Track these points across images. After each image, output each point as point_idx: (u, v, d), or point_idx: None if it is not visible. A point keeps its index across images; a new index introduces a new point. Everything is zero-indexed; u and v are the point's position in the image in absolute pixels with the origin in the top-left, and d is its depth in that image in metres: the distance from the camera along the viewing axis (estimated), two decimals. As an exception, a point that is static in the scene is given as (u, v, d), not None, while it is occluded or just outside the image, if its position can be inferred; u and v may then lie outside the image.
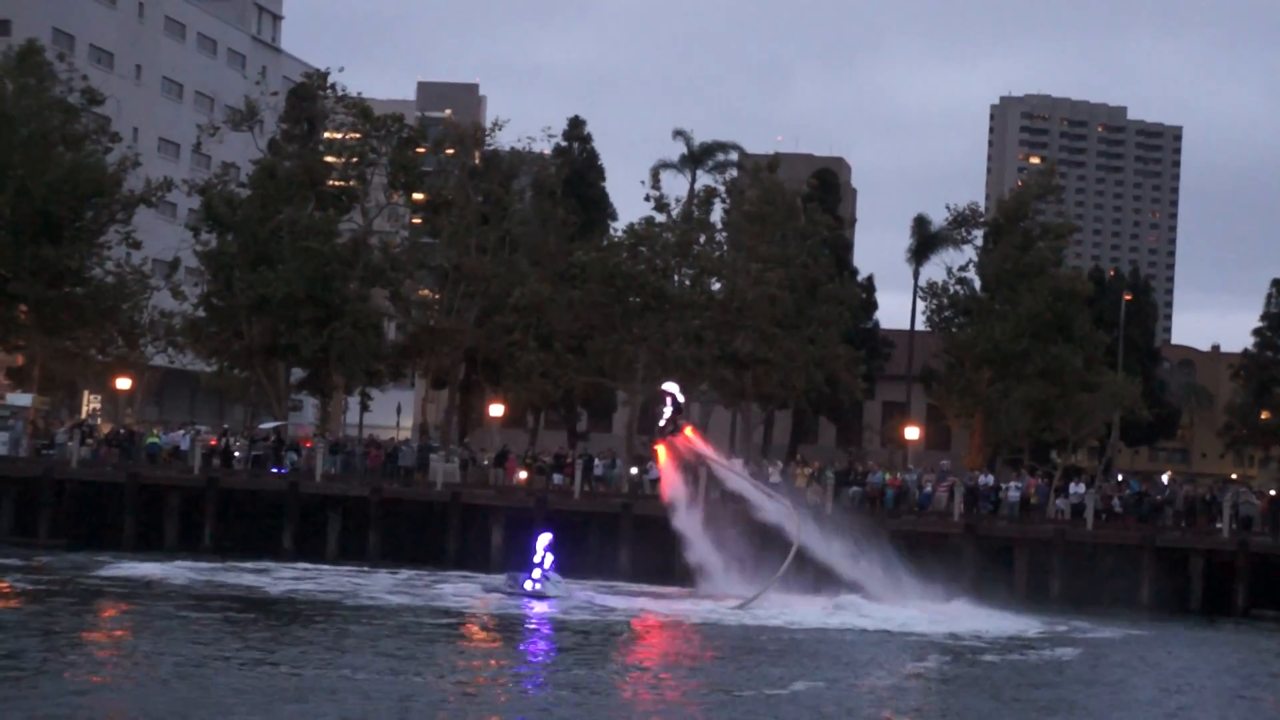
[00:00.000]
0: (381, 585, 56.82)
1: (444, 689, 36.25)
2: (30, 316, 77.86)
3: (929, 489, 68.69)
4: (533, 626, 49.19)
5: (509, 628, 48.74)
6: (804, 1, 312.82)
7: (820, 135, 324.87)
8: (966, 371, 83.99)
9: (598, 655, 43.11)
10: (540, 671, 40.75)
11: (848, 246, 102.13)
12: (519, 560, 60.05)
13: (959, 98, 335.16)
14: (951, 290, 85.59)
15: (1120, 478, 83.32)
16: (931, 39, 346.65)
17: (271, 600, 51.73)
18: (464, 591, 56.33)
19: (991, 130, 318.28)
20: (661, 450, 60.10)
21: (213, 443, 70.94)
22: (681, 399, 60.14)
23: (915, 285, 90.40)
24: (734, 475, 62.12)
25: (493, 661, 41.91)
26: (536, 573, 55.60)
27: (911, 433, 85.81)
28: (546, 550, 56.00)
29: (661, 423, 58.83)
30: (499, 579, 58.28)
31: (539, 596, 54.67)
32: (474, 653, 43.46)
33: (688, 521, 59.75)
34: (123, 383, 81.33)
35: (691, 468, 61.45)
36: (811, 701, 36.77)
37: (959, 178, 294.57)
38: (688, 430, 59.84)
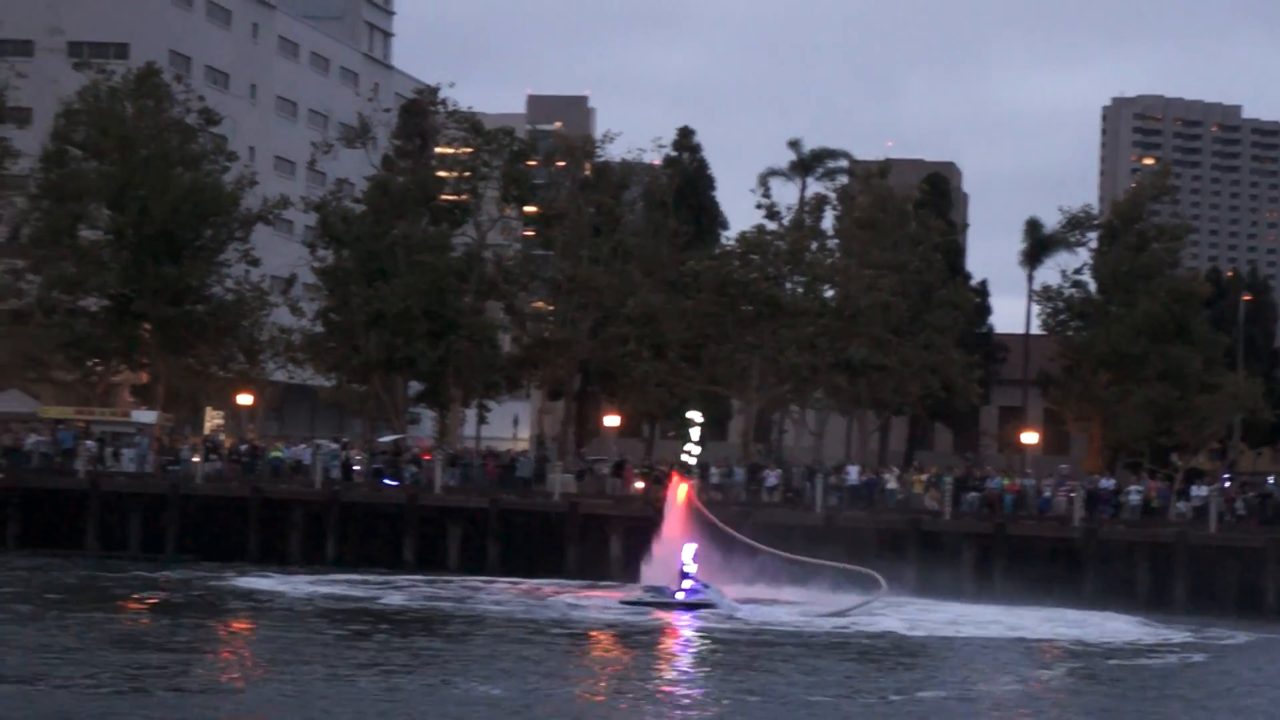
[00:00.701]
0: (511, 597, 57.08)
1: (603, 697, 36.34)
2: (153, 335, 79.05)
3: (1048, 494, 68.27)
4: (691, 636, 49.12)
5: (660, 638, 48.85)
6: (913, 7, 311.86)
7: (930, 141, 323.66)
8: (1084, 375, 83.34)
9: (740, 662, 43.25)
10: (692, 681, 40.90)
11: (960, 251, 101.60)
12: (637, 570, 60.41)
13: (1070, 100, 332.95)
14: (1067, 293, 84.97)
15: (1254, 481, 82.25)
16: (1041, 42, 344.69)
17: (412, 612, 52.16)
18: (602, 604, 56.11)
19: (1104, 132, 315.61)
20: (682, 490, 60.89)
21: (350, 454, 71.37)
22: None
23: (1029, 289, 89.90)
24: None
25: (653, 670, 42.02)
26: (687, 583, 55.68)
27: (1029, 437, 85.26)
28: (693, 560, 56.12)
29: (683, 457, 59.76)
30: (635, 590, 58.09)
31: (693, 606, 54.60)
32: (630, 662, 43.55)
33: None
34: (244, 398, 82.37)
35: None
36: (947, 709, 36.73)
37: (1071, 180, 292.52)
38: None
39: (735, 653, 45.71)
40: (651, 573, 59.64)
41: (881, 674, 42.68)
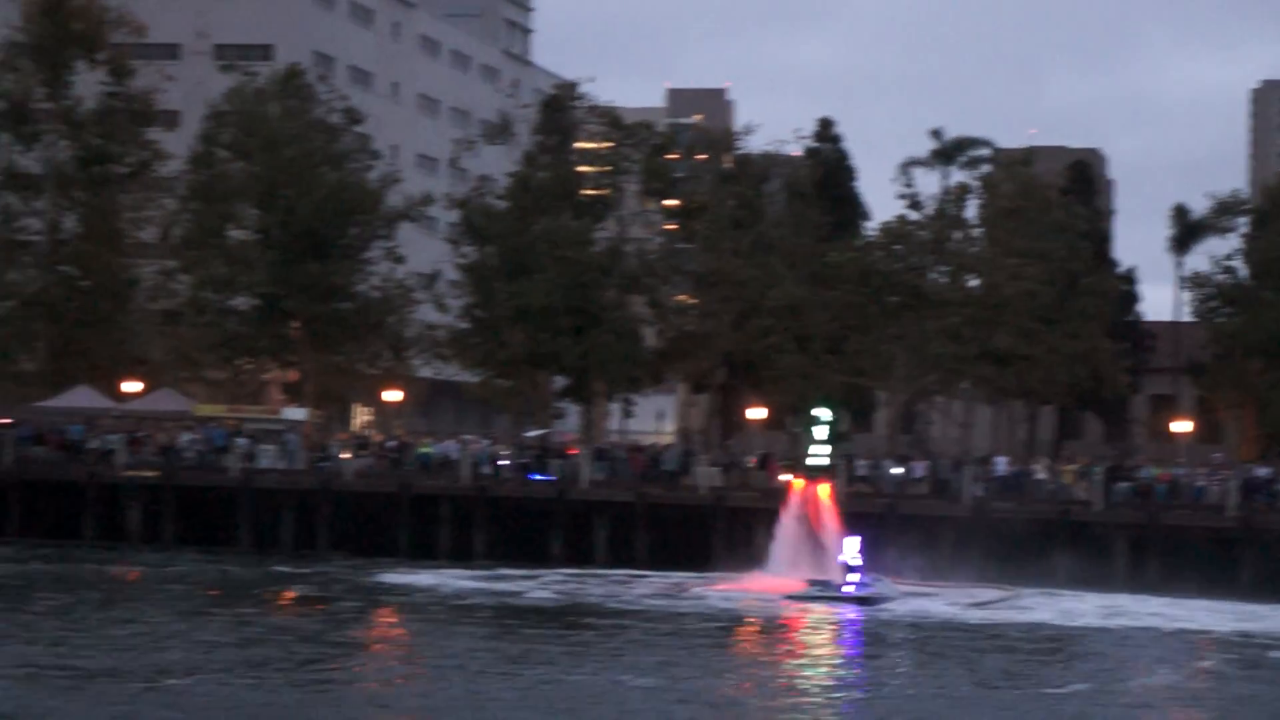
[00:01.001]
0: (659, 590, 57.11)
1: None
2: (302, 333, 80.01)
3: (1202, 483, 67.22)
4: (870, 631, 48.99)
5: (836, 632, 48.71)
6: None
7: (1075, 127, 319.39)
8: (1235, 362, 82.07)
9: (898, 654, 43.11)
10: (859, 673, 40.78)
11: (1106, 238, 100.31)
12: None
13: (1218, 84, 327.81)
14: (1217, 280, 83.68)
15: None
16: (1188, 26, 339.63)
17: (579, 607, 52.46)
18: (764, 598, 55.76)
19: (1253, 115, 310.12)
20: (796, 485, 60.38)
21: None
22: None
23: (1178, 276, 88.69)
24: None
25: (811, 662, 41.94)
26: (855, 576, 55.41)
27: (1181, 426, 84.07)
28: (859, 554, 55.79)
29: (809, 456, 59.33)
30: (802, 584, 57.38)
31: (864, 601, 54.44)
32: (785, 656, 43.45)
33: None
34: (391, 395, 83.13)
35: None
36: (1105, 700, 36.37)
37: (1220, 165, 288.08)
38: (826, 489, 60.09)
39: (898, 645, 45.52)
40: (775, 566, 59.33)
41: (1039, 666, 42.26)
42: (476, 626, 46.45)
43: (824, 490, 61.43)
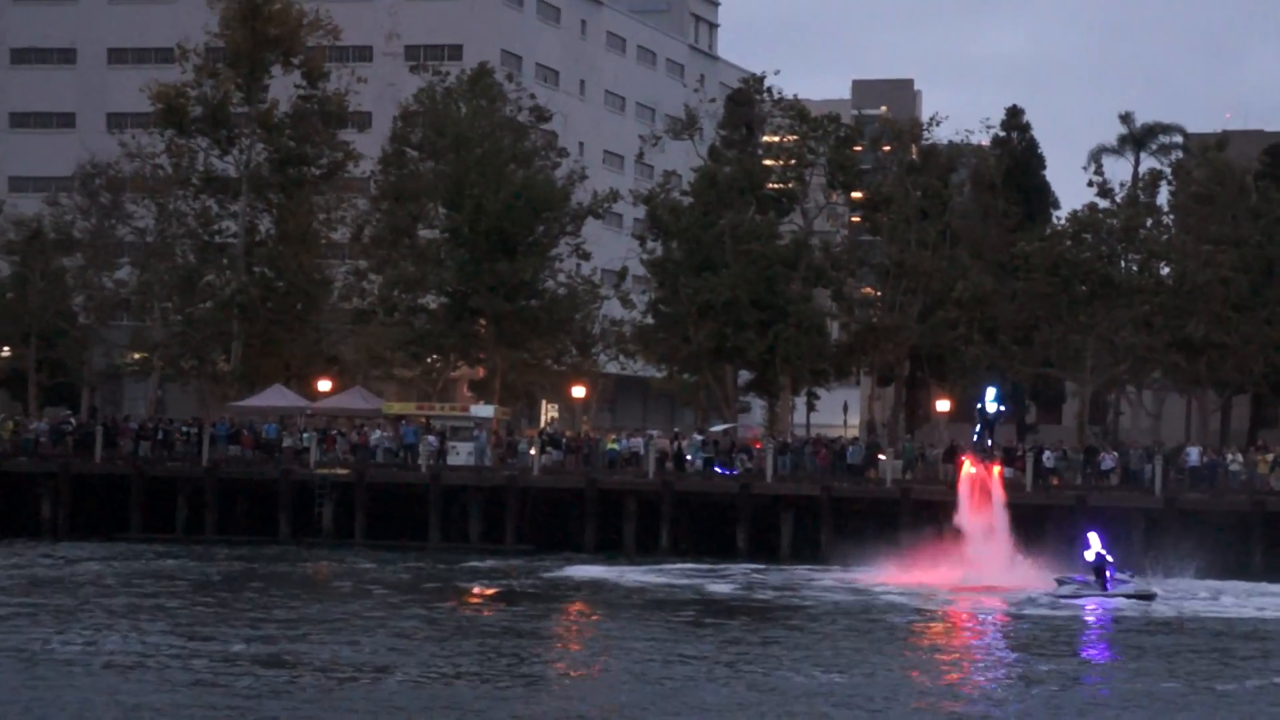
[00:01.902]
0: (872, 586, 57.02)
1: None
2: (490, 330, 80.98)
3: (1402, 471, 65.68)
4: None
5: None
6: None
7: (1273, 111, 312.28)
8: None
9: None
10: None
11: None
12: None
13: None
14: None
15: None
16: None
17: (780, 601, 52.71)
18: (1015, 597, 55.09)
19: None
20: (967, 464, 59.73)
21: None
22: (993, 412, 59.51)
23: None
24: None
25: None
26: (1119, 573, 54.77)
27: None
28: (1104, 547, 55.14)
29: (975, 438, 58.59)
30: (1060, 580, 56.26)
31: (1142, 596, 53.84)
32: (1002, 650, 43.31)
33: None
34: (578, 391, 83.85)
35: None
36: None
37: None
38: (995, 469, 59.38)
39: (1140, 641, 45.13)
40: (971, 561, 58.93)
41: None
42: (657, 621, 46.75)
43: (994, 471, 61.07)
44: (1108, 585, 54.05)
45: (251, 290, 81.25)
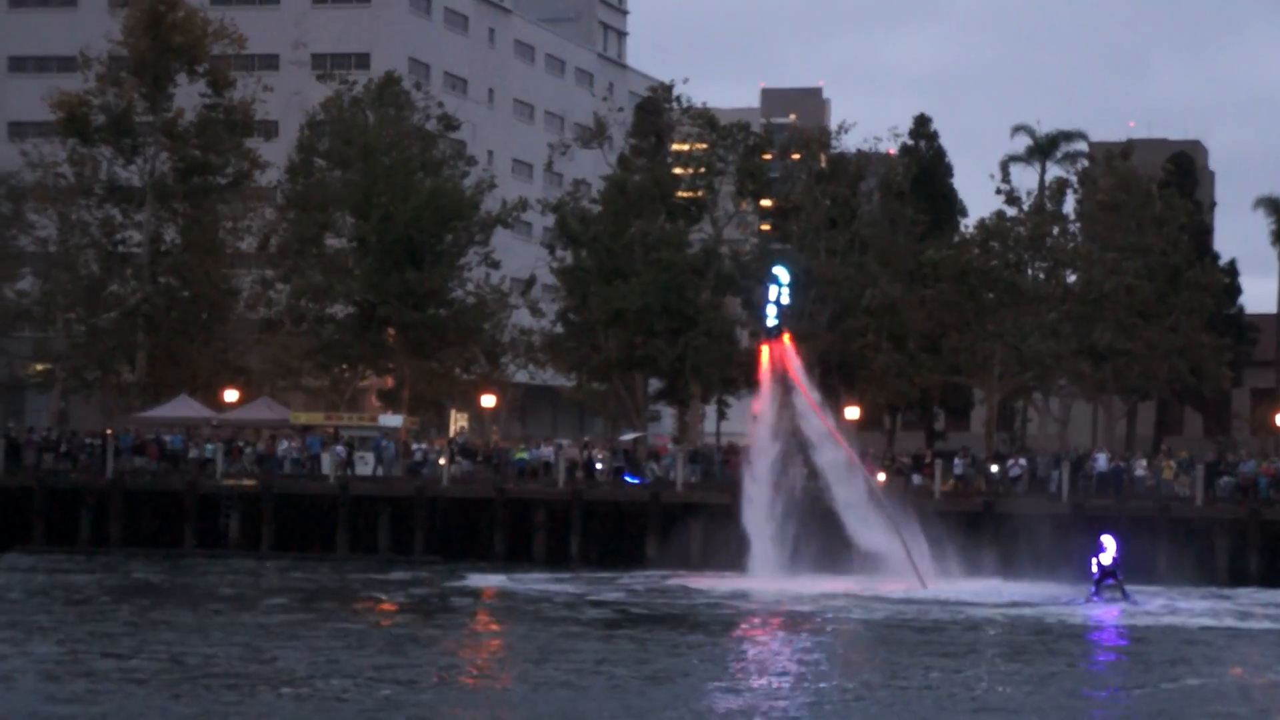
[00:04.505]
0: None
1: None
2: (398, 340, 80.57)
3: (1304, 477, 66.39)
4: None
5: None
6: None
7: (1176, 120, 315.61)
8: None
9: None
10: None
11: (1208, 231, 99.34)
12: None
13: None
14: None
15: None
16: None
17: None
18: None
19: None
20: (765, 352, 59.88)
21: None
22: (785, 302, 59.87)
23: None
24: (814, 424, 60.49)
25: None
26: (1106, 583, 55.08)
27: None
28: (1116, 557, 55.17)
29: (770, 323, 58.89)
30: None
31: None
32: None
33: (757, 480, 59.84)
34: (487, 400, 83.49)
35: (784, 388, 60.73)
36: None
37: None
38: (786, 338, 59.65)
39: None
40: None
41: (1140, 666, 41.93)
42: (572, 630, 46.62)
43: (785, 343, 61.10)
44: (1125, 594, 54.51)
45: (156, 300, 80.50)
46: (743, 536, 60.93)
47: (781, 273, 61.30)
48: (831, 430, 61.59)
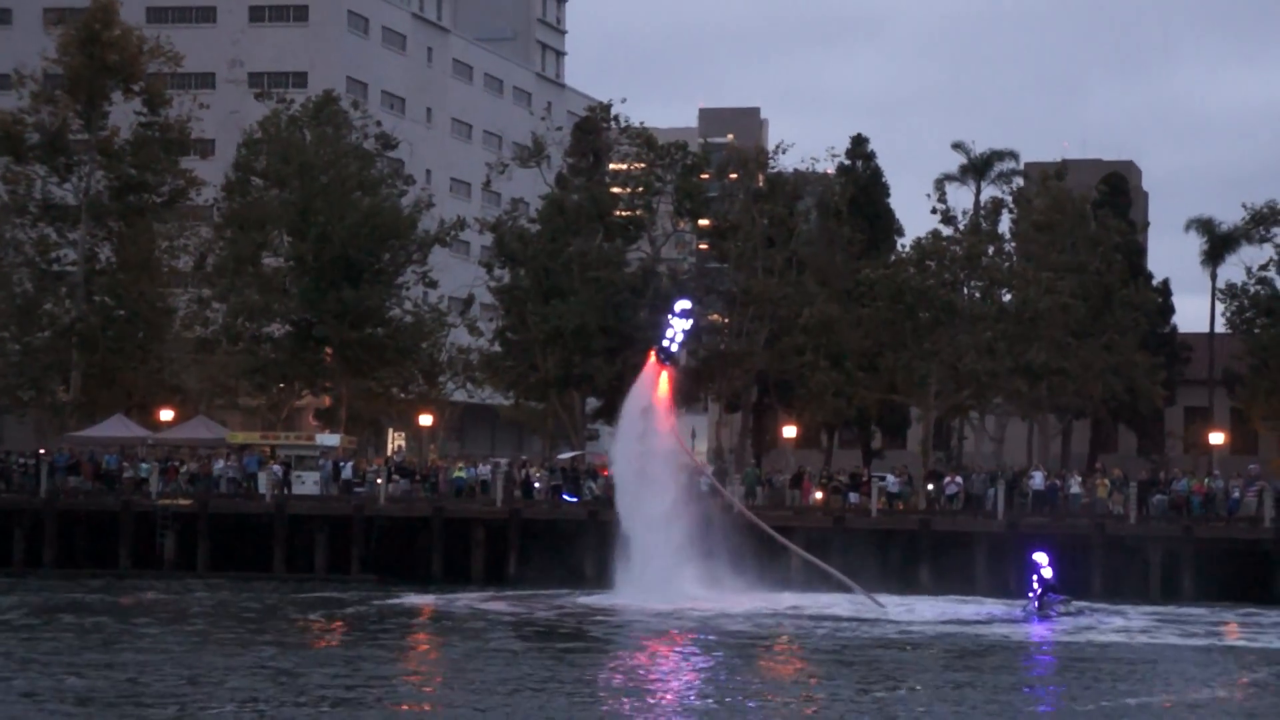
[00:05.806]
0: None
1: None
2: (335, 358, 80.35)
3: (1237, 494, 66.98)
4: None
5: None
6: (1096, 11, 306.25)
7: (1112, 141, 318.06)
8: (1272, 373, 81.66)
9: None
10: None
11: (1141, 251, 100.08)
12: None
13: (1262, 98, 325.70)
14: (1253, 290, 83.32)
15: None
16: (1230, 42, 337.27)
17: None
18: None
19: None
20: (664, 377, 60.80)
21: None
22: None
23: (1213, 287, 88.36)
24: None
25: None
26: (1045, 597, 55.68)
27: (1216, 438, 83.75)
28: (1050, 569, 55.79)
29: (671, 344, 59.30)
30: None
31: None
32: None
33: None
34: (425, 419, 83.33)
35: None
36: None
37: (1262, 178, 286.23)
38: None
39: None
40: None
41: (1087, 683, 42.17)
42: (509, 648, 46.61)
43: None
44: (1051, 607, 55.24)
45: (91, 319, 79.98)
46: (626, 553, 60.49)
47: (686, 305, 61.57)
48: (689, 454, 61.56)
